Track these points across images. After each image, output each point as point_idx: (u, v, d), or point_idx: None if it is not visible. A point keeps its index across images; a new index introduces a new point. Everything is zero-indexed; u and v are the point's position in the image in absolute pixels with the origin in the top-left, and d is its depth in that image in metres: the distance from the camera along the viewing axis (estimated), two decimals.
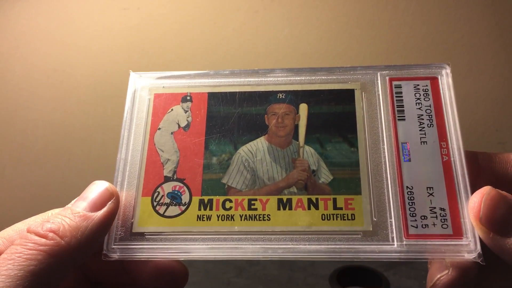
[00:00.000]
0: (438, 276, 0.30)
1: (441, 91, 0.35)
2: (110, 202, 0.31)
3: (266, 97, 0.36)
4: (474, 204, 0.30)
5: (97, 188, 0.31)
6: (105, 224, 0.30)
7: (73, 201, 0.31)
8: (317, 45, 0.88)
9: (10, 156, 0.95)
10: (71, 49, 0.93)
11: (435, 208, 0.31)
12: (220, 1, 0.89)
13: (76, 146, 0.93)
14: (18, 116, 0.95)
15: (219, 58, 0.90)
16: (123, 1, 0.92)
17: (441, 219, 0.31)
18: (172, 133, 0.35)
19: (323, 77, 0.36)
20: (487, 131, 0.80)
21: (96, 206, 0.30)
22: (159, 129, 0.35)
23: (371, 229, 0.31)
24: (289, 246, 0.31)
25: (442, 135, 0.33)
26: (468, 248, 0.30)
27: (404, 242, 0.31)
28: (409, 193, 0.32)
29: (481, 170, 0.33)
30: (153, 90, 0.37)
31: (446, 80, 0.35)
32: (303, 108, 0.35)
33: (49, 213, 0.33)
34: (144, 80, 0.37)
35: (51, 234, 0.27)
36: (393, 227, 0.31)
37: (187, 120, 0.35)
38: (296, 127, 0.35)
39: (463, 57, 0.83)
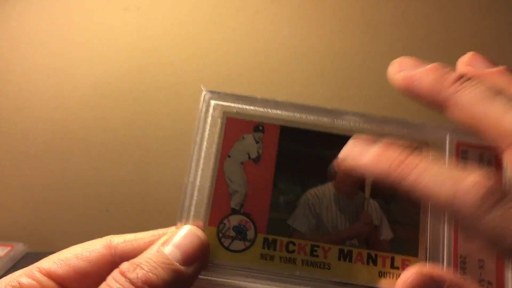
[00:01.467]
0: None
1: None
2: (202, 257, 0.31)
3: (338, 141, 0.36)
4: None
5: (190, 236, 0.31)
6: (194, 280, 0.31)
7: (161, 241, 0.31)
8: (317, 45, 0.88)
9: (10, 156, 0.95)
10: (71, 49, 0.93)
11: (483, 280, 0.33)
12: (219, 1, 0.90)
13: (76, 146, 0.94)
14: (18, 116, 0.95)
15: (219, 58, 0.90)
16: (123, 1, 0.92)
17: None
18: (242, 163, 0.35)
19: (393, 129, 0.37)
20: None
21: (189, 259, 0.30)
22: (229, 157, 0.35)
23: None
24: None
25: None
26: None
27: None
28: (462, 263, 0.34)
29: None
30: (225, 113, 0.36)
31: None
32: None
33: (129, 238, 0.33)
34: (216, 100, 0.37)
35: None
36: None
37: (257, 152, 0.36)
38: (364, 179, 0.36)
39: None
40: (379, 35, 0.87)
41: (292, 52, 0.89)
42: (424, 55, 0.85)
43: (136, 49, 0.93)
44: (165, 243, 0.31)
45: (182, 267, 0.30)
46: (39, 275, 0.31)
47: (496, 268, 0.34)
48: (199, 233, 0.32)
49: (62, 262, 0.32)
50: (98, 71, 0.93)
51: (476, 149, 0.36)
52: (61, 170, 0.94)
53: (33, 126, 0.95)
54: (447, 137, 0.37)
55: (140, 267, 0.29)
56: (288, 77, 0.91)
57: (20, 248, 0.89)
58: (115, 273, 0.29)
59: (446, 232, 0.34)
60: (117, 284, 0.28)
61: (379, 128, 0.37)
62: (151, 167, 0.97)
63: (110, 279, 0.28)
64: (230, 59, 0.91)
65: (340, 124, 0.37)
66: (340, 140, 0.36)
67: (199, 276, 0.32)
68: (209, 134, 0.36)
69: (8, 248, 0.88)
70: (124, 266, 0.29)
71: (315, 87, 0.90)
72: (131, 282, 0.28)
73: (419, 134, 0.37)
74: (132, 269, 0.29)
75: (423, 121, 0.37)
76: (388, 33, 0.87)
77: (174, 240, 0.31)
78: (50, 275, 0.32)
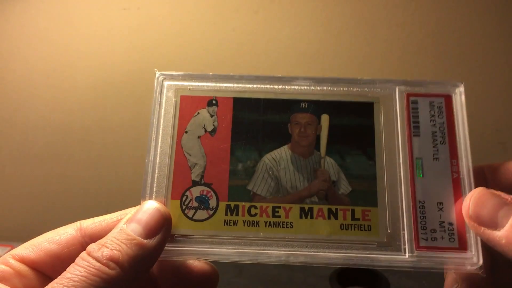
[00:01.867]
0: None
1: (454, 110, 0.37)
2: (164, 229, 0.32)
3: (290, 106, 0.37)
4: (465, 203, 0.33)
5: (150, 210, 0.33)
6: (159, 251, 0.32)
7: (124, 219, 0.32)
8: (317, 45, 0.89)
9: (10, 156, 0.96)
10: (71, 49, 0.94)
11: (443, 222, 0.34)
12: (219, 2, 0.90)
13: (76, 146, 0.95)
14: (18, 116, 0.95)
15: (219, 59, 0.91)
16: (123, 1, 0.92)
17: (448, 233, 0.34)
18: (199, 137, 0.36)
19: (344, 88, 0.38)
20: (487, 131, 0.83)
21: (151, 232, 0.31)
22: (186, 132, 0.37)
23: (385, 240, 0.34)
24: (310, 253, 0.34)
25: (453, 153, 0.36)
26: (471, 261, 0.33)
27: (415, 254, 0.34)
28: (421, 207, 0.34)
29: (488, 183, 0.36)
30: (179, 92, 0.38)
31: (459, 99, 0.37)
32: (325, 119, 0.37)
33: (98, 219, 0.34)
34: (170, 81, 0.38)
35: (112, 264, 0.29)
36: (405, 239, 0.34)
37: (213, 125, 0.37)
38: (318, 138, 0.37)
39: (464, 57, 0.85)
40: (379, 35, 0.88)
41: (292, 52, 0.90)
42: (424, 55, 0.87)
43: (136, 49, 0.93)
44: (128, 221, 0.32)
45: (145, 241, 0.31)
46: (12, 261, 0.33)
47: (456, 209, 0.34)
48: (159, 206, 0.33)
49: (35, 247, 0.34)
50: (98, 71, 0.94)
51: (425, 98, 0.37)
52: (61, 170, 0.95)
53: (33, 126, 0.95)
54: (396, 90, 0.38)
55: (105, 246, 0.30)
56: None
57: None
58: (83, 254, 0.30)
59: (403, 180, 0.35)
60: (84, 263, 0.29)
61: (330, 89, 0.38)
62: None
63: (78, 260, 0.30)
64: (231, 59, 0.91)
65: (291, 89, 0.38)
66: (291, 103, 0.37)
67: (167, 248, 0.33)
68: (164, 114, 0.37)
69: (8, 248, 0.89)
70: (91, 247, 0.30)
71: None
72: (97, 260, 0.29)
73: (369, 90, 0.38)
74: (98, 248, 0.30)
75: (372, 78, 0.38)
76: (388, 33, 0.88)
77: (136, 216, 0.32)
78: (23, 260, 0.33)
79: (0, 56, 0.95)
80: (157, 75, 0.38)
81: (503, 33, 0.85)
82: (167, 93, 0.37)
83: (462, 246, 0.34)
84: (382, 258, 0.34)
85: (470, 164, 0.35)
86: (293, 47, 0.90)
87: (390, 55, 0.87)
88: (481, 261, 0.33)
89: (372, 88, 0.38)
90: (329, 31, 0.89)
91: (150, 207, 0.33)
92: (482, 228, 0.32)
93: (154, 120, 0.37)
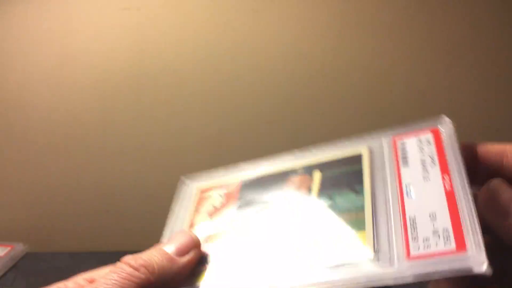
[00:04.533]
0: None
1: (443, 139, 0.36)
2: (193, 250, 0.36)
3: (286, 174, 0.41)
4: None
5: (184, 236, 0.37)
6: (188, 268, 0.35)
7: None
8: (317, 45, 0.88)
9: (10, 156, 0.98)
10: (71, 49, 0.95)
11: (437, 229, 0.31)
12: (220, 1, 0.91)
13: (76, 146, 0.96)
14: (18, 116, 0.98)
15: (219, 58, 0.92)
16: (123, 1, 0.93)
17: (444, 237, 0.30)
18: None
19: (334, 153, 0.40)
20: (487, 131, 0.73)
21: (182, 251, 0.35)
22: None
23: (372, 257, 0.31)
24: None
25: (444, 169, 0.34)
26: (474, 260, 0.28)
27: (406, 263, 0.30)
28: (411, 222, 0.32)
29: (478, 162, 0.35)
30: (199, 188, 0.44)
31: (447, 129, 0.37)
32: (317, 174, 0.39)
33: None
34: (191, 181, 0.45)
35: (143, 269, 0.32)
36: (394, 252, 0.31)
37: (221, 203, 0.41)
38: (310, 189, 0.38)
39: (465, 56, 0.81)
40: (379, 35, 0.86)
41: (292, 52, 0.88)
42: (424, 55, 0.82)
43: (136, 49, 0.93)
44: (163, 243, 0.37)
45: (176, 257, 0.35)
46: None
47: (451, 215, 0.31)
48: (191, 233, 0.38)
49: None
50: (98, 71, 0.94)
51: (411, 136, 0.38)
52: (61, 170, 0.94)
53: (33, 126, 0.96)
54: (382, 138, 0.39)
55: (140, 257, 0.34)
56: (288, 76, 0.89)
57: (20, 248, 0.92)
58: (117, 263, 0.34)
59: (392, 201, 0.34)
60: (117, 269, 0.32)
61: (317, 157, 0.41)
62: (151, 167, 0.93)
63: (111, 267, 0.33)
64: (230, 59, 0.90)
65: (288, 163, 0.42)
66: (288, 173, 0.41)
67: None
68: (185, 207, 0.43)
69: (8, 248, 0.91)
70: (126, 257, 0.34)
71: (315, 87, 0.89)
72: (130, 265, 0.33)
73: (356, 147, 0.40)
74: (133, 258, 0.34)
75: (356, 136, 0.40)
76: (388, 34, 0.85)
77: (170, 240, 0.37)
78: None
79: (0, 56, 0.97)
80: (183, 180, 0.45)
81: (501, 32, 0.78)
82: (188, 189, 0.44)
83: (460, 246, 0.29)
84: (371, 274, 0.30)
85: (465, 178, 0.33)
86: (294, 47, 0.88)
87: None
88: (484, 259, 0.28)
89: (361, 143, 0.40)
90: (330, 30, 0.87)
91: (183, 233, 0.38)
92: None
93: (175, 209, 0.42)
